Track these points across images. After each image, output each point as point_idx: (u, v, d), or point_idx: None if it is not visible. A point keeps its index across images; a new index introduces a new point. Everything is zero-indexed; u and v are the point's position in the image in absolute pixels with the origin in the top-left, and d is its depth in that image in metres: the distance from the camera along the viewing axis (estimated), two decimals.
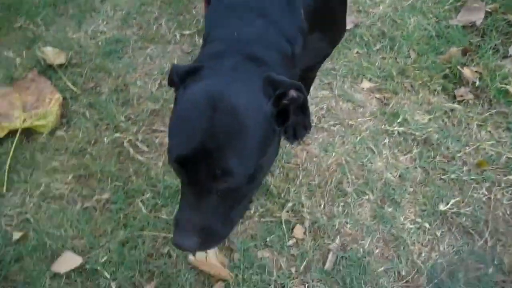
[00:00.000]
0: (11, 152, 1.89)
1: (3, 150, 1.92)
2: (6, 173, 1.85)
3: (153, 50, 2.25)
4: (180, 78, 1.10)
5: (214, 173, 1.03)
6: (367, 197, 1.74)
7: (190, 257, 1.60)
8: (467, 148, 1.86)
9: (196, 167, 1.03)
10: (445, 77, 2.07)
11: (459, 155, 1.84)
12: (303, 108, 1.13)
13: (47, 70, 2.16)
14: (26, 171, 1.89)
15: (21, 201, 1.80)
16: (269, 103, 1.08)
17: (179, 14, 2.35)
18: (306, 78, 1.71)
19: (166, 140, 1.73)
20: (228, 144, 1.02)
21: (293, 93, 1.09)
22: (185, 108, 1.07)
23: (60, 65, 2.16)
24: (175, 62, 2.20)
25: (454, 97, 2.02)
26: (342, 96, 2.04)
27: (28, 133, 1.97)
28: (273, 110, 1.09)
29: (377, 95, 2.05)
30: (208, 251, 1.57)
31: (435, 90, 2.04)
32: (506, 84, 1.98)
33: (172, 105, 1.17)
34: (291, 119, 1.12)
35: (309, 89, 1.84)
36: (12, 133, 1.94)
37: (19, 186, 1.82)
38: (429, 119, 1.95)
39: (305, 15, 1.26)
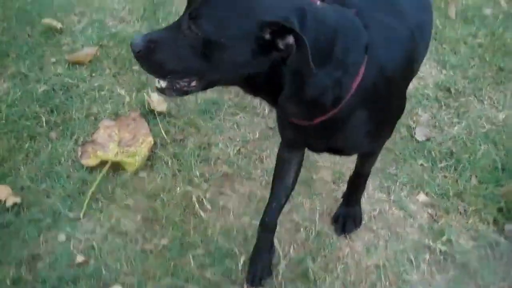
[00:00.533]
0: (97, 182, 2.19)
1: (91, 177, 2.23)
2: (87, 200, 2.14)
3: (241, 118, 2.54)
4: None
5: (191, 13, 1.19)
6: None
7: None
8: (503, 282, 1.97)
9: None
10: (499, 210, 2.19)
11: (492, 287, 1.94)
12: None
13: (148, 114, 2.50)
14: (104, 202, 2.18)
15: (91, 228, 2.08)
16: (267, 26, 1.18)
17: None
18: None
19: (230, 204, 2.00)
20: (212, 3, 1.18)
21: (291, 39, 1.16)
22: None
23: (160, 113, 2.49)
24: (257, 133, 2.47)
25: (503, 231, 2.14)
26: (397, 202, 2.22)
27: (116, 167, 2.27)
28: (266, 35, 1.19)
29: (430, 210, 2.22)
30: None
31: (486, 219, 2.17)
32: None
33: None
34: (276, 54, 1.22)
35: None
36: (103, 163, 2.25)
37: (94, 214, 2.12)
38: (473, 246, 2.08)
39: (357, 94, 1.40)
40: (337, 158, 2.28)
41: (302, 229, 2.12)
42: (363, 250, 2.05)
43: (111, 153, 2.26)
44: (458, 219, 2.18)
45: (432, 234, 2.11)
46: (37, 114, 2.55)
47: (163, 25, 2.86)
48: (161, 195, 2.20)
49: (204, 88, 1.32)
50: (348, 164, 2.26)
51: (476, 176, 2.36)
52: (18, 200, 2.15)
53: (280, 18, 1.15)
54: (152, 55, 1.23)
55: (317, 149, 1.72)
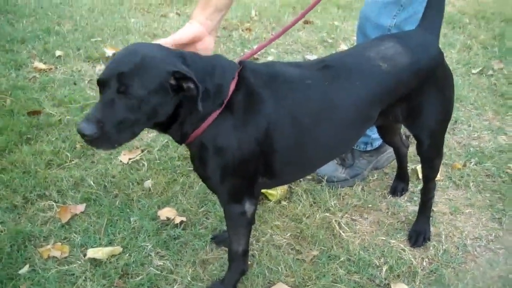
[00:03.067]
0: None
1: None
2: None
3: None
4: None
5: (118, 87, 1.54)
6: None
7: None
8: None
9: (108, 84, 1.55)
10: None
11: None
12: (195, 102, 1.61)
13: None
14: (257, 223, 2.66)
15: (250, 243, 2.51)
16: (171, 73, 1.60)
17: None
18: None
19: (363, 228, 2.53)
20: (133, 72, 1.56)
21: (190, 84, 1.61)
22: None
23: None
24: (375, 174, 3.00)
25: None
26: (509, 230, 2.68)
27: (262, 197, 2.78)
28: (172, 80, 1.61)
29: None
30: None
31: None
32: None
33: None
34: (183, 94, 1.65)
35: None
36: None
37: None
38: None
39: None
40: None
41: (431, 247, 2.57)
42: (486, 264, 2.48)
43: None
44: None
45: None
46: (187, 156, 3.04)
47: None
48: (303, 220, 2.67)
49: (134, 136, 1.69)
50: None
51: None
52: (184, 219, 2.62)
53: (177, 68, 1.61)
54: (106, 134, 1.54)
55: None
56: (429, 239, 2.61)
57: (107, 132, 1.54)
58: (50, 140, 3.12)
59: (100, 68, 3.88)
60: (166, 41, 1.91)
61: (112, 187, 2.78)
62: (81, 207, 2.66)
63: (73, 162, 2.95)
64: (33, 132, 3.18)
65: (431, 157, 2.42)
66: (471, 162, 3.14)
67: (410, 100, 2.17)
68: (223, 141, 1.86)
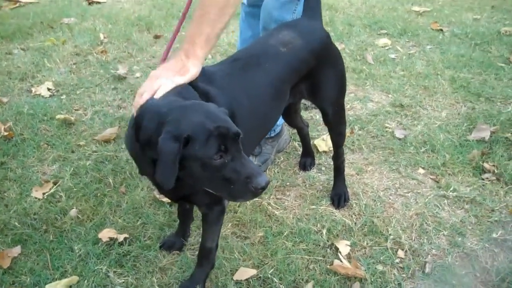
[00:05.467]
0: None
1: (175, 209, 2.87)
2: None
3: None
4: None
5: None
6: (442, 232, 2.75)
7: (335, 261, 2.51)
8: (497, 208, 2.92)
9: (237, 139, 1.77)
10: (474, 168, 3.19)
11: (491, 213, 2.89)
12: None
13: None
14: (197, 221, 2.78)
15: (198, 242, 2.68)
16: None
17: None
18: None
19: (288, 202, 2.86)
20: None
21: None
22: None
23: None
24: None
25: (483, 179, 3.13)
26: (409, 176, 3.13)
27: None
28: None
29: (431, 176, 3.15)
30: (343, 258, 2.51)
31: (468, 175, 3.15)
32: None
33: None
34: None
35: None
36: None
37: (192, 231, 2.76)
38: (470, 190, 3.03)
39: None
40: None
41: (354, 205, 2.92)
42: (402, 207, 2.89)
43: None
44: (454, 178, 3.10)
45: (443, 189, 3.01)
46: (103, 178, 3.13)
47: None
48: (237, 208, 2.87)
49: None
50: None
51: (447, 153, 3.32)
52: (126, 235, 2.67)
53: None
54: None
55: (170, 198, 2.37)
56: (348, 199, 2.90)
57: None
58: None
59: None
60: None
61: (39, 223, 2.72)
62: (17, 249, 2.56)
63: None
64: None
65: (337, 125, 2.76)
66: (355, 129, 3.54)
67: (311, 77, 2.49)
68: None
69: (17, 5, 6.27)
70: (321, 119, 3.27)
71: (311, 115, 3.71)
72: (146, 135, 1.77)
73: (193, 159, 1.71)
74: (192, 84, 2.03)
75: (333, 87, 2.56)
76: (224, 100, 2.06)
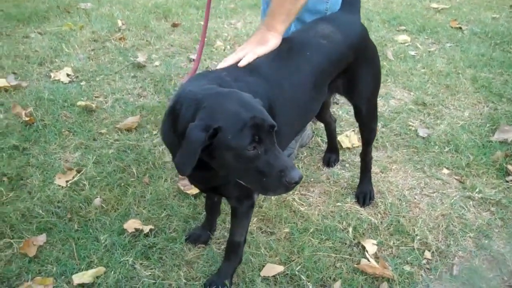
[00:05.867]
0: None
1: (199, 201, 2.86)
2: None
3: None
4: None
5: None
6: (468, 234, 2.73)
7: (363, 260, 2.49)
8: None
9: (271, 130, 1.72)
10: (497, 170, 3.17)
11: None
12: None
13: None
14: (223, 216, 2.79)
15: (224, 237, 2.68)
16: None
17: None
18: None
19: (313, 199, 2.78)
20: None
21: None
22: None
23: None
24: None
25: (507, 181, 3.10)
26: (433, 176, 3.10)
27: None
28: None
29: (456, 177, 3.12)
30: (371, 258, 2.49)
31: (492, 177, 3.12)
32: None
33: None
34: None
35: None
36: None
37: (218, 225, 2.75)
38: (494, 192, 3.01)
39: None
40: None
41: (379, 204, 2.92)
42: (428, 207, 2.87)
43: None
44: (476, 180, 3.07)
45: (468, 190, 2.98)
46: (126, 168, 3.11)
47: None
48: (262, 203, 2.83)
49: None
50: None
51: (471, 153, 3.29)
52: (151, 227, 2.65)
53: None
54: None
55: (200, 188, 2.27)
56: (373, 197, 2.89)
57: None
58: None
59: None
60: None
61: (63, 212, 2.69)
62: (42, 238, 2.54)
63: (10, 196, 2.77)
64: None
65: (369, 122, 2.73)
66: (379, 126, 3.50)
67: (348, 73, 2.45)
68: None
69: None
70: (344, 114, 3.26)
71: (333, 110, 3.66)
72: (183, 124, 1.72)
73: (226, 149, 1.66)
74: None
75: (369, 84, 2.53)
76: (266, 88, 2.05)
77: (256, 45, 2.12)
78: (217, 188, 2.11)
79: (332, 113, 3.36)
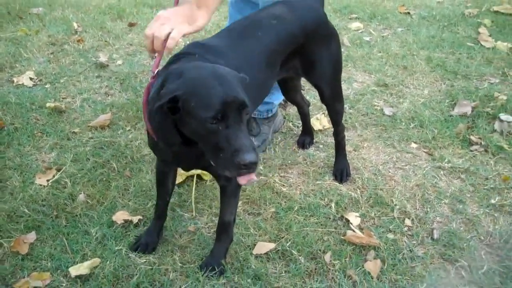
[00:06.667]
0: (193, 189, 2.88)
1: (182, 189, 2.92)
2: (193, 203, 2.81)
3: None
4: None
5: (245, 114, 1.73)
6: (443, 201, 2.89)
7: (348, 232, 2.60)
8: (490, 176, 3.08)
9: (236, 110, 1.72)
10: (461, 141, 3.35)
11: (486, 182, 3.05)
12: None
13: None
14: (207, 201, 2.86)
15: (212, 221, 2.74)
16: None
17: None
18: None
19: (293, 179, 2.90)
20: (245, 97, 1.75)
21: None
22: None
23: None
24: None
25: (471, 151, 3.29)
26: (403, 150, 3.26)
27: (197, 180, 2.96)
28: None
29: (424, 150, 3.28)
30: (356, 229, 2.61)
31: (458, 147, 3.31)
32: (499, 142, 3.31)
33: None
34: None
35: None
36: (188, 178, 2.96)
37: (203, 209, 2.81)
38: (462, 161, 3.18)
39: None
40: None
41: (357, 179, 3.03)
42: (402, 179, 3.02)
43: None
44: (444, 151, 3.25)
45: (437, 160, 3.15)
46: (105, 163, 3.13)
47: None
48: (244, 187, 2.89)
49: None
50: None
51: (435, 128, 3.47)
52: (140, 217, 2.70)
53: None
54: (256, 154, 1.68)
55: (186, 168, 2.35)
56: (350, 174, 3.01)
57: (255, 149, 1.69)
58: None
59: None
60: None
61: (48, 209, 2.70)
62: (32, 235, 2.53)
63: None
64: None
65: (333, 103, 2.83)
66: (346, 108, 3.64)
67: (304, 54, 2.53)
68: None
69: None
70: (311, 99, 3.38)
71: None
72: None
73: (189, 116, 1.72)
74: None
75: (328, 66, 2.58)
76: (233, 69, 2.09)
77: (182, 21, 2.09)
78: (207, 168, 2.17)
79: None
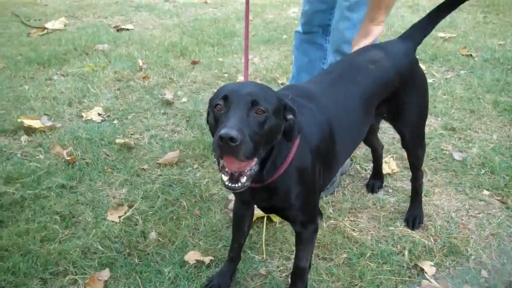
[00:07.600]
0: (264, 230, 2.86)
1: (253, 231, 2.89)
2: (263, 245, 2.79)
3: None
4: None
5: (252, 102, 1.66)
6: None
7: (423, 281, 2.52)
8: None
9: (240, 99, 1.67)
10: None
11: None
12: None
13: None
14: (278, 243, 2.83)
15: (283, 265, 2.70)
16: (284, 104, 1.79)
17: None
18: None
19: (363, 224, 2.83)
20: (259, 91, 1.73)
21: (291, 116, 1.80)
22: None
23: None
24: None
25: None
26: (476, 198, 3.18)
27: (267, 222, 2.94)
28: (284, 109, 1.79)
29: (497, 197, 3.20)
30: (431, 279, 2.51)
31: None
32: None
33: None
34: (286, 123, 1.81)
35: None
36: (258, 219, 2.94)
37: (273, 251, 2.77)
38: None
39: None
40: None
41: (429, 226, 2.95)
42: (476, 228, 2.93)
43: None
44: None
45: (511, 209, 3.06)
46: (175, 201, 3.16)
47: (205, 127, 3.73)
48: None
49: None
50: None
51: (506, 175, 3.38)
52: (211, 258, 2.69)
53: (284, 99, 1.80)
54: (245, 142, 1.57)
55: (261, 207, 2.19)
56: (423, 221, 2.94)
57: (245, 141, 1.57)
58: (28, 217, 2.95)
59: (26, 138, 3.67)
60: None
61: (121, 247, 2.72)
62: (106, 273, 2.55)
63: (66, 234, 2.79)
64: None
65: (415, 149, 2.79)
66: None
67: (394, 99, 2.52)
68: (304, 163, 2.04)
69: (45, 31, 6.33)
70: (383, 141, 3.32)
71: None
72: None
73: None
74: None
75: (414, 112, 2.55)
76: (326, 115, 2.14)
77: (360, 39, 2.53)
78: (281, 211, 2.17)
79: None
